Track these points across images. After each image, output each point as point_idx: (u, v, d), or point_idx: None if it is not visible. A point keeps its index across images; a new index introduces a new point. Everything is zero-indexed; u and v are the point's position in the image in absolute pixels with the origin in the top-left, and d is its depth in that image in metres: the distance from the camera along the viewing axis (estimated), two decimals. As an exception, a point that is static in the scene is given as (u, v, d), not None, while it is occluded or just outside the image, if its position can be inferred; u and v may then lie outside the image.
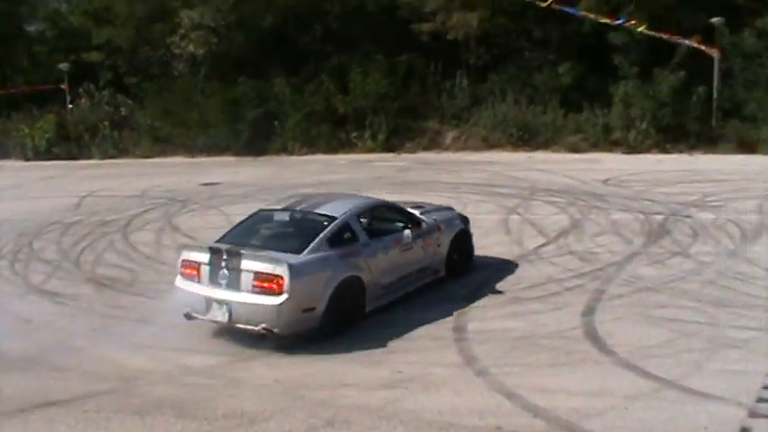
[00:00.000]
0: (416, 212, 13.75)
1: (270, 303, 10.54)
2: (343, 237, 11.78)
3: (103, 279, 14.95)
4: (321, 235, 11.49)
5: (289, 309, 10.55)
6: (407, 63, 36.10)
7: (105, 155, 37.19)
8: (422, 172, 27.56)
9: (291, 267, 10.56)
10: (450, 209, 15.26)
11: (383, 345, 10.73)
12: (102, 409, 9.12)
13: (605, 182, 23.64)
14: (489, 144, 33.35)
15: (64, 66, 40.33)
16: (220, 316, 10.94)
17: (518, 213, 19.27)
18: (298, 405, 8.95)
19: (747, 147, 31.22)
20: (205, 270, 11.20)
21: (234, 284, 10.85)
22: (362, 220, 12.60)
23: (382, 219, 13.28)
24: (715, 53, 32.19)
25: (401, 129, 34.97)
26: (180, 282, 11.64)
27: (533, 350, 10.32)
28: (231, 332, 11.16)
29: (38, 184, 29.00)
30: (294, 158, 34.15)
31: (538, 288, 12.96)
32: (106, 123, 38.74)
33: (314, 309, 10.83)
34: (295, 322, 10.73)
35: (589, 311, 11.64)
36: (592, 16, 31.69)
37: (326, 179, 25.69)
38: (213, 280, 11.08)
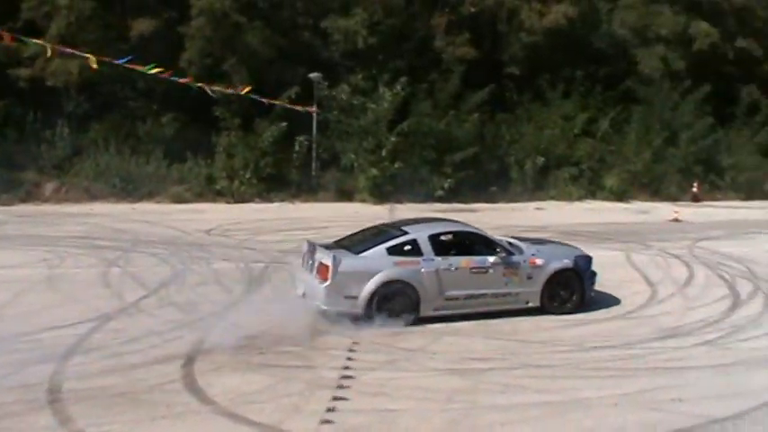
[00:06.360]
0: (506, 243, 15.20)
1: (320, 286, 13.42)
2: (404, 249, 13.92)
3: None
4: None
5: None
6: (4, 110, 34.10)
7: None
8: (19, 225, 25.73)
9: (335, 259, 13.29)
10: (573, 248, 16.19)
11: None
12: None
13: (208, 232, 23.86)
14: (92, 195, 32.41)
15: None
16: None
17: (118, 266, 18.80)
18: None
19: (345, 195, 33.15)
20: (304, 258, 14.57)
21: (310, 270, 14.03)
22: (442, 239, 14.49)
23: (463, 243, 14.69)
24: (313, 109, 33.76)
25: (-6, 180, 32.84)
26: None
27: (132, 406, 10.01)
28: None
29: None
30: None
31: (137, 342, 12.62)
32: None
33: (356, 297, 13.31)
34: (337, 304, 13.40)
35: (189, 362, 11.56)
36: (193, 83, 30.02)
37: None
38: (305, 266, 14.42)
